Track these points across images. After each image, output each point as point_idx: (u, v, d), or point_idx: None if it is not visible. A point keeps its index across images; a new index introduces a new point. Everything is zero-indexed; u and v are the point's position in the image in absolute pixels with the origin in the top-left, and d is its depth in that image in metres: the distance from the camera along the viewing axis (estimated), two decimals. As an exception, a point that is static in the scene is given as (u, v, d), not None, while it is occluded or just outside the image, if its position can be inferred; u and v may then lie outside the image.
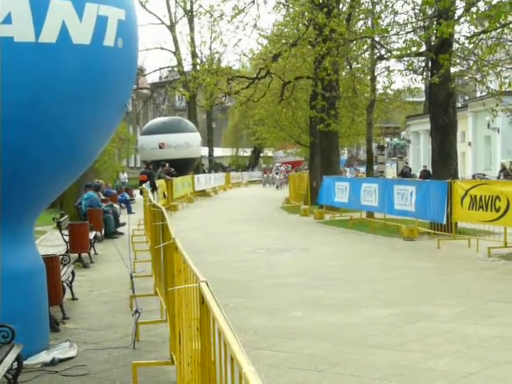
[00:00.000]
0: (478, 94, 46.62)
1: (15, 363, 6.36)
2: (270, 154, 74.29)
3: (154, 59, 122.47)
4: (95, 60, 7.18)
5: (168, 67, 58.18)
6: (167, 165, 34.39)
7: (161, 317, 9.29)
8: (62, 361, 7.83)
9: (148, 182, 25.63)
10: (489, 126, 44.82)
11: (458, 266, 14.24)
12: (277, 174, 61.04)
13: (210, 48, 47.21)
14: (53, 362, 7.74)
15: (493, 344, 8.14)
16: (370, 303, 10.73)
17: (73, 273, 11.68)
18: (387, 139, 67.63)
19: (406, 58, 21.77)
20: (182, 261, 4.53)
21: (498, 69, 20.78)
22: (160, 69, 59.04)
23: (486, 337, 8.49)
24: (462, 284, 12.21)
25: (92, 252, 16.73)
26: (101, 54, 7.22)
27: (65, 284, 10.70)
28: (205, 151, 59.72)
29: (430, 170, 25.63)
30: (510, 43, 21.20)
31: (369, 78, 30.40)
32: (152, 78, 78.04)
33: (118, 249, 12.77)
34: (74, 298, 11.45)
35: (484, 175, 40.04)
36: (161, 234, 8.34)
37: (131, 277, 11.51)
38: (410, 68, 21.81)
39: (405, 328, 9.10)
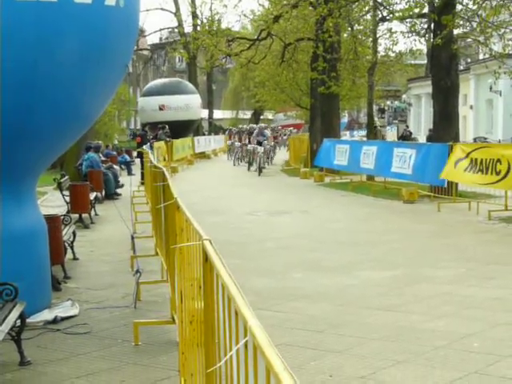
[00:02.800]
0: (481, 57, 46.39)
1: (18, 321, 6.42)
2: (270, 116, 74.05)
3: (155, 20, 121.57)
4: (97, 19, 7.14)
5: (168, 28, 57.86)
6: (167, 127, 34.30)
7: (161, 277, 9.33)
8: (64, 319, 7.89)
9: (149, 144, 25.58)
10: (491, 89, 44.61)
11: (458, 229, 14.28)
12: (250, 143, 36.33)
13: (211, 9, 46.85)
14: (55, 321, 7.80)
15: (492, 306, 8.20)
16: (370, 265, 10.78)
17: (74, 233, 11.72)
18: (388, 102, 67.36)
19: (408, 20, 21.60)
20: (185, 220, 4.54)
21: (502, 30, 20.65)
22: (160, 30, 58.81)
23: (485, 298, 8.54)
24: (462, 247, 12.25)
25: (92, 213, 16.77)
26: (102, 13, 7.17)
27: (66, 244, 10.73)
28: (205, 113, 59.51)
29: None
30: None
31: (370, 40, 30.23)
32: (152, 39, 77.46)
33: (119, 210, 12.77)
34: (75, 258, 11.50)
35: (485, 139, 40.00)
36: (162, 195, 8.34)
37: (132, 237, 11.57)
38: (413, 30, 21.66)
39: (404, 290, 9.15)
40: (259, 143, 32.70)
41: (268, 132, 37.20)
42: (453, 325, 7.44)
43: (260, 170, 30.39)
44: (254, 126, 42.34)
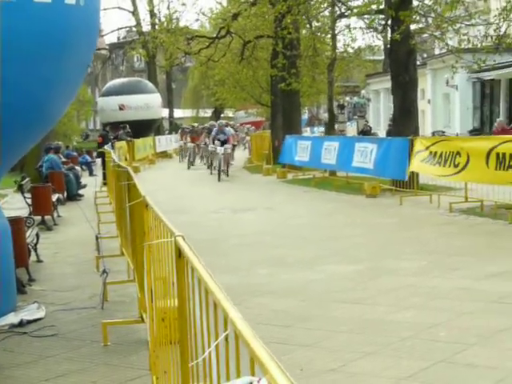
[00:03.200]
0: (437, 52, 46.83)
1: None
2: (230, 114, 73.99)
3: (112, 19, 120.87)
4: (57, 18, 7.09)
5: (126, 27, 57.51)
6: (128, 126, 34.13)
7: (128, 277, 9.30)
8: (30, 322, 7.84)
9: (110, 144, 25.45)
10: (447, 83, 45.07)
11: (420, 222, 14.43)
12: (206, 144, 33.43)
13: (168, 7, 46.67)
14: (21, 324, 7.75)
15: (457, 296, 8.31)
16: (334, 260, 10.85)
17: (37, 235, 11.63)
18: (347, 98, 67.68)
19: (366, 16, 21.77)
20: (154, 218, 4.55)
21: (458, 25, 20.90)
22: (118, 29, 58.39)
23: (449, 289, 8.66)
24: (425, 239, 12.39)
25: (55, 214, 16.64)
26: (62, 11, 7.14)
27: (30, 246, 10.65)
28: (165, 112, 59.31)
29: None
30: (468, 0, 21.29)
31: (329, 36, 30.38)
32: (110, 38, 76.90)
33: (83, 211, 12.72)
34: (39, 261, 11.41)
35: (443, 132, 40.36)
36: (127, 194, 8.32)
37: (97, 238, 11.52)
38: (372, 25, 21.84)
39: (369, 283, 9.24)
40: (221, 142, 27.99)
41: (230, 130, 30.89)
42: (419, 316, 7.54)
43: (219, 174, 26.49)
44: (214, 123, 35.69)
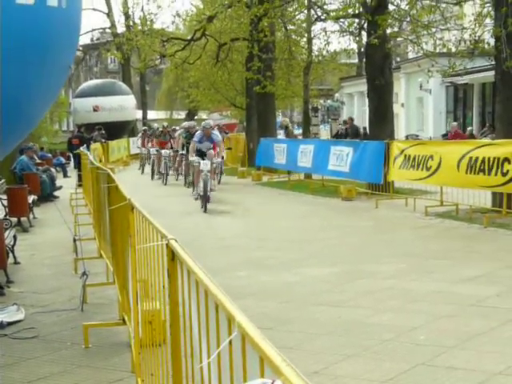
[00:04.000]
0: (411, 56, 47.13)
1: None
2: (204, 116, 73.84)
3: (86, 20, 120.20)
4: (39, 20, 7.07)
5: (100, 29, 57.26)
6: (102, 128, 33.98)
7: (107, 279, 9.30)
8: (10, 324, 7.80)
9: (85, 145, 25.33)
10: (421, 87, 45.41)
11: (396, 225, 14.54)
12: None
13: (143, 10, 46.50)
14: (1, 326, 7.71)
15: (434, 299, 8.40)
16: (312, 262, 10.90)
17: (15, 237, 11.56)
18: (321, 101, 67.92)
19: (342, 20, 21.89)
20: (142, 221, 4.56)
21: (433, 30, 21.08)
22: (92, 30, 58.08)
23: (427, 292, 8.74)
24: (401, 242, 12.49)
25: (31, 216, 16.55)
26: (45, 13, 7.12)
27: (7, 248, 10.58)
28: (139, 114, 59.13)
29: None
30: (443, 5, 21.46)
31: (305, 39, 30.47)
32: (84, 39, 76.52)
33: (61, 213, 12.67)
34: (16, 262, 11.34)
35: (417, 136, 40.66)
36: (107, 197, 8.31)
37: (74, 240, 11.47)
38: (349, 29, 21.96)
39: (348, 285, 9.30)
40: (203, 154, 18.68)
41: (218, 134, 20.07)
42: (398, 318, 7.61)
43: (205, 203, 17.55)
44: (194, 123, 26.37)
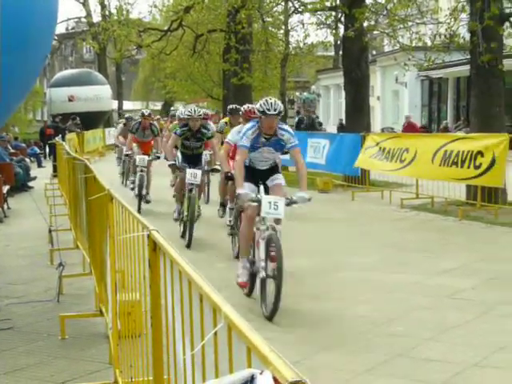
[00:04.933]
0: (387, 49, 47.29)
1: None
2: (181, 107, 73.64)
3: (61, 9, 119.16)
4: (19, 7, 7.00)
5: (75, 18, 56.86)
6: (78, 118, 33.79)
7: (83, 270, 9.24)
8: (-16, 315, 7.74)
9: (60, 136, 25.16)
10: (397, 80, 45.60)
11: (372, 218, 14.59)
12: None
13: (119, -1, 46.29)
14: (-24, 317, 7.64)
15: (410, 291, 8.45)
16: (288, 255, 10.84)
17: (-11, 227, 11.48)
18: (297, 93, 68.00)
19: (319, 12, 21.91)
20: (122, 211, 4.54)
21: (409, 23, 21.16)
22: (68, 19, 57.60)
23: (403, 284, 8.79)
24: (377, 234, 12.55)
25: (5, 206, 16.42)
26: (24, 1, 7.05)
27: (-18, 238, 10.50)
28: (115, 104, 58.85)
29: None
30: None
31: (282, 31, 30.47)
32: (59, 28, 75.92)
33: (37, 203, 12.57)
34: (-10, 253, 11.26)
35: (392, 129, 40.82)
36: (84, 187, 8.26)
37: (50, 231, 11.39)
38: (326, 22, 22.00)
39: (325, 277, 9.33)
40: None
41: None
42: (375, 310, 7.65)
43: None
44: (180, 110, 19.14)
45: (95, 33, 40.58)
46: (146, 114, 17.66)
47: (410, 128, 30.20)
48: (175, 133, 12.76)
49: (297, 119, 34.46)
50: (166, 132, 22.70)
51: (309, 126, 30.57)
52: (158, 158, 16.51)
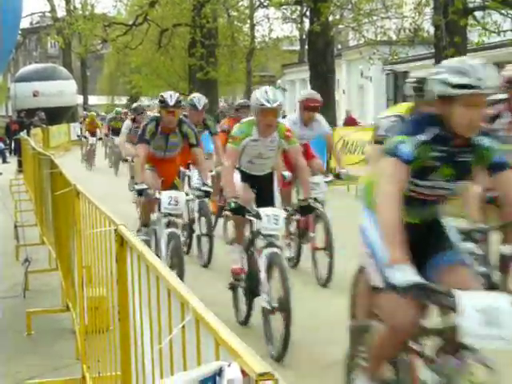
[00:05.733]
0: (352, 43, 47.47)
1: None
2: (146, 102, 73.32)
3: (25, 3, 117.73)
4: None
5: (40, 12, 56.36)
6: (43, 113, 33.53)
7: (49, 266, 9.19)
8: (-51, 312, 7.66)
9: (25, 131, 24.96)
10: (362, 74, 45.81)
11: (338, 212, 14.65)
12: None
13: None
14: None
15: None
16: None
17: (-47, 224, 11.35)
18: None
19: (285, 7, 21.98)
20: (88, 207, 4.53)
21: (374, 18, 21.32)
22: (32, 14, 57.04)
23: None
24: (343, 229, 12.58)
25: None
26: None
27: None
28: (80, 99, 58.44)
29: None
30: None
31: (248, 26, 30.51)
32: (22, 23, 75.06)
33: (3, 200, 12.44)
34: (-46, 250, 11.13)
35: (358, 123, 41.07)
36: (49, 182, 8.22)
37: (15, 226, 11.30)
38: (292, 16, 22.08)
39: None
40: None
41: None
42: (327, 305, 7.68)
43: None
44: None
45: (60, 27, 40.23)
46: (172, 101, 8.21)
47: (350, 122, 30.83)
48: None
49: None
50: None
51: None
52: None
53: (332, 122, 19.54)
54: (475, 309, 3.25)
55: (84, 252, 4.82)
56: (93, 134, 26.59)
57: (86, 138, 27.08)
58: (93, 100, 68.73)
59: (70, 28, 30.85)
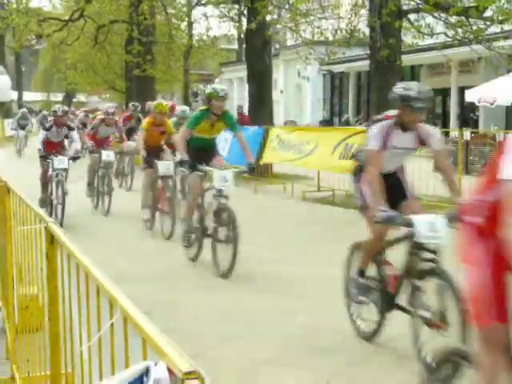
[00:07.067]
0: (289, 43, 47.69)
1: None
2: (83, 99, 72.48)
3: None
4: None
5: (-28, 5, 55.22)
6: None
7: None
8: None
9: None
10: (299, 74, 46.08)
11: (274, 210, 14.73)
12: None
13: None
14: None
15: (313, 283, 8.56)
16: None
17: None
18: (201, 86, 68.02)
19: (223, 5, 21.98)
20: (18, 204, 4.45)
21: (311, 18, 21.47)
22: (-36, 7, 55.85)
23: (306, 277, 8.90)
24: (280, 228, 12.65)
25: None
26: None
27: None
28: (15, 95, 57.48)
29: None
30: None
31: (185, 23, 30.42)
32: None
33: None
34: None
35: (295, 122, 41.31)
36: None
37: None
38: (229, 15, 22.07)
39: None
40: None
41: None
42: (277, 302, 7.72)
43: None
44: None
45: (-7, 21, 39.50)
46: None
47: (242, 119, 30.77)
48: None
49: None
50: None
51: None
52: None
53: (269, 121, 19.63)
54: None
55: (15, 249, 4.74)
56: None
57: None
58: (28, 96, 67.71)
59: (3, 22, 30.26)
